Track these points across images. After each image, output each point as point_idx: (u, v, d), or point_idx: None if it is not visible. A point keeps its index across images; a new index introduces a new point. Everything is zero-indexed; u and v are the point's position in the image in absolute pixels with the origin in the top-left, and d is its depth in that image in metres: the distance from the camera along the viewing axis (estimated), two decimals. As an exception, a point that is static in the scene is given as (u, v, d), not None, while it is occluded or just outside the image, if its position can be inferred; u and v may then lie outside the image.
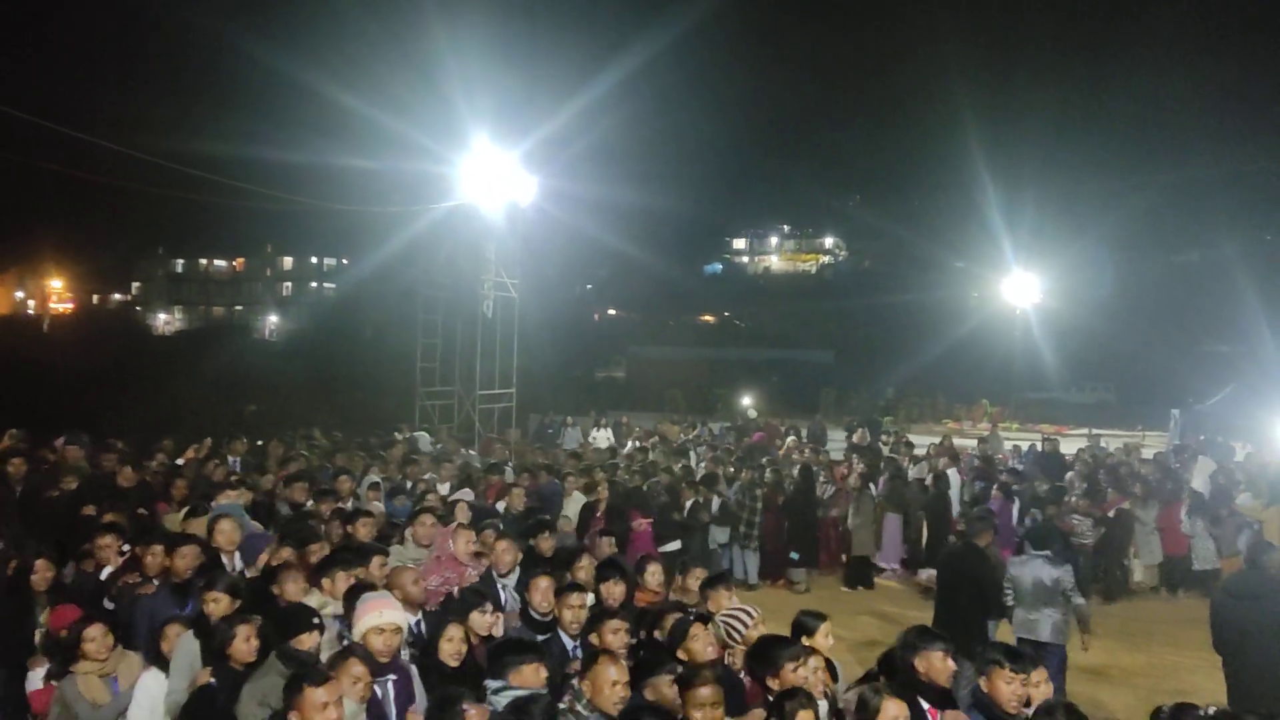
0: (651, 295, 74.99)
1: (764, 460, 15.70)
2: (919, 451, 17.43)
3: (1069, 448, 18.73)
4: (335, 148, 31.57)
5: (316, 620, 5.07)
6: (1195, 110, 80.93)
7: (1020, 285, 38.98)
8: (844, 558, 13.62)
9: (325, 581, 6.13)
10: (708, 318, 79.31)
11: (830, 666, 5.33)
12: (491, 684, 4.68)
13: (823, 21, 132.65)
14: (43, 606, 6.45)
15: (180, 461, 11.71)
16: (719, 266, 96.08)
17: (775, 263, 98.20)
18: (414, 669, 5.17)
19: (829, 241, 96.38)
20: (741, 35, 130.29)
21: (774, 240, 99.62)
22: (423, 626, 5.97)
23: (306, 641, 4.92)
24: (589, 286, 77.33)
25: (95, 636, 5.26)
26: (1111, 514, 12.92)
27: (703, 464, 15.45)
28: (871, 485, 14.03)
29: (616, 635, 5.37)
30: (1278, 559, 6.81)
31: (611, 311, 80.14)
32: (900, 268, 70.74)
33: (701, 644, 5.29)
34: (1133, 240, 59.20)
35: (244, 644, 4.93)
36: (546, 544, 8.03)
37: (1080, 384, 44.89)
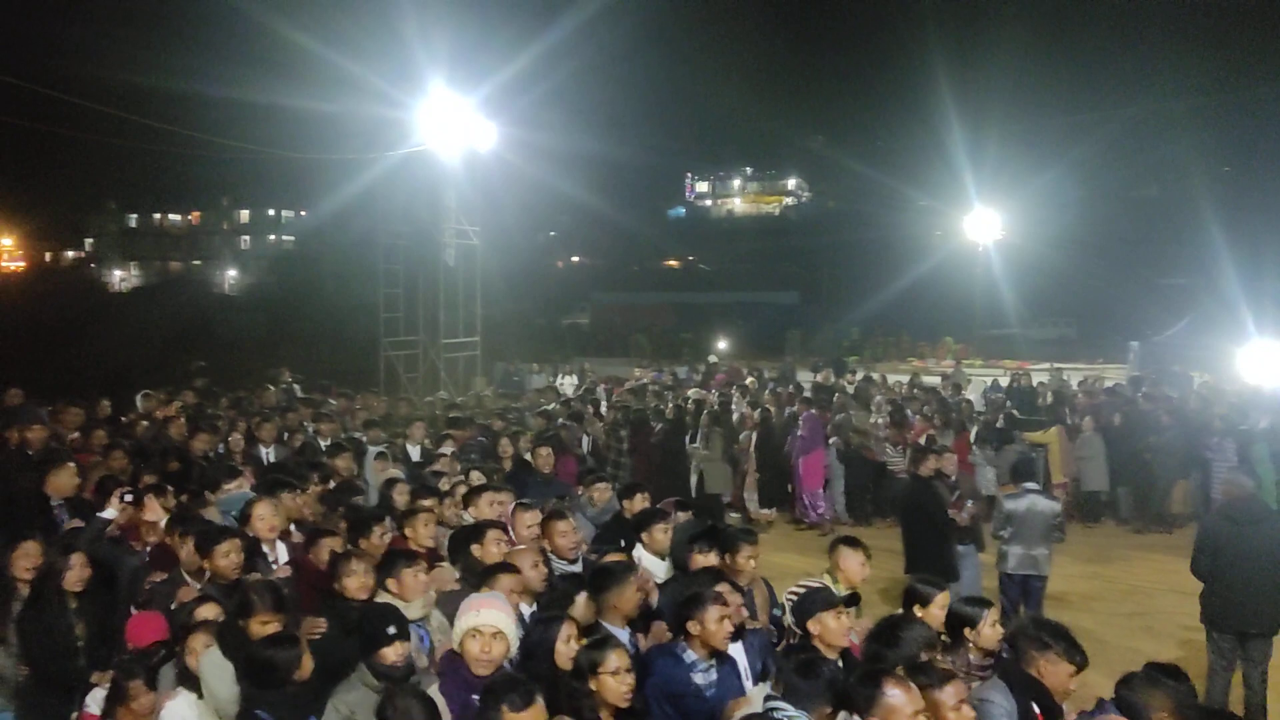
0: (615, 241, 74.60)
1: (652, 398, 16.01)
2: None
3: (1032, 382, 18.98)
4: (289, 92, 30.93)
5: (393, 630, 4.06)
6: (1155, 45, 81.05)
7: (982, 222, 39.05)
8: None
9: (391, 581, 4.90)
10: (672, 262, 79.13)
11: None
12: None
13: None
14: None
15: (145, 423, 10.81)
16: (682, 210, 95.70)
17: (738, 205, 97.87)
18: None
19: (792, 182, 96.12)
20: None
21: (737, 182, 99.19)
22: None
23: (390, 655, 4.02)
24: (551, 234, 76.69)
25: (210, 616, 4.59)
26: (922, 441, 12.68)
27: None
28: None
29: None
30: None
31: (575, 258, 79.68)
32: (864, 206, 70.75)
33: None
34: (1093, 175, 59.54)
35: (310, 662, 4.07)
36: (639, 502, 6.94)
37: (1041, 319, 45.25)
